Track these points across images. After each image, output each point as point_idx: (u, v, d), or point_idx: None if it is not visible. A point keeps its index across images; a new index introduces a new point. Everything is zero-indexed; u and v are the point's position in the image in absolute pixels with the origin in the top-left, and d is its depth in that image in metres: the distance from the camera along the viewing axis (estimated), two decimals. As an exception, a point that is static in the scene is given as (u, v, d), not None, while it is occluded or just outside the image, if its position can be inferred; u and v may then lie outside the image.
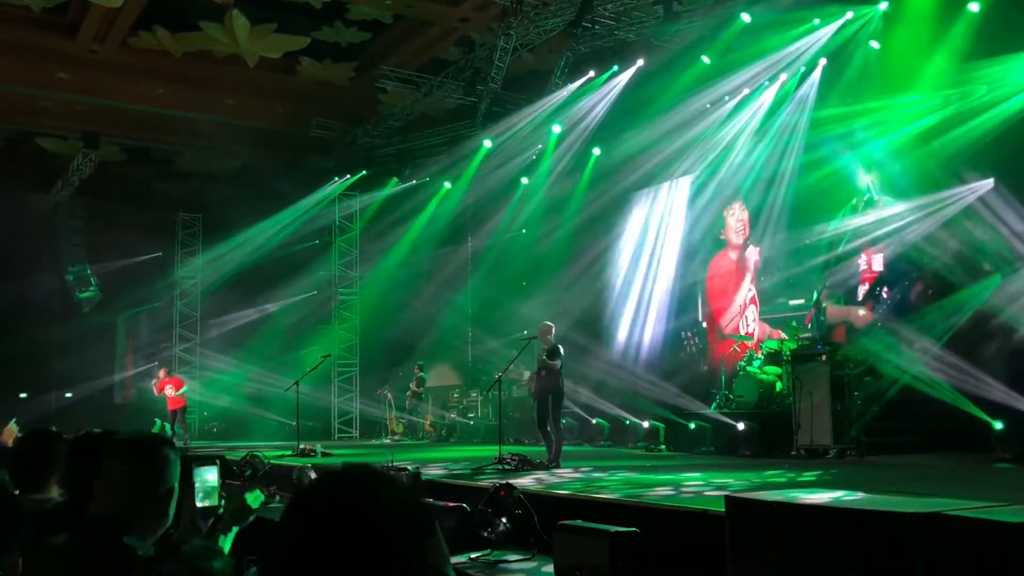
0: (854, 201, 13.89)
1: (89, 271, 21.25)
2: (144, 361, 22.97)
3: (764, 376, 13.29)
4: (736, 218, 16.11)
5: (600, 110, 16.22)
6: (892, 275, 13.29)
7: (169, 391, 18.11)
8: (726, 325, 16.24)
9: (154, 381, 18.74)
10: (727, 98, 15.16)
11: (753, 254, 15.66)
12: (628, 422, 15.22)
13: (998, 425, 10.33)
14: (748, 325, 15.79)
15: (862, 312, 13.40)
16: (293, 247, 22.08)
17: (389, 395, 20.34)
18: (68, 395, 21.46)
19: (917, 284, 13.00)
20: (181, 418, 18.30)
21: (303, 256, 22.35)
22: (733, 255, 16.14)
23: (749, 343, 14.67)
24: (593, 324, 17.73)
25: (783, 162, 14.66)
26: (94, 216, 21.02)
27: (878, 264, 13.52)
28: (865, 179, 13.68)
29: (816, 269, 14.05)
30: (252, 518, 2.83)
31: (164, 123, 19.48)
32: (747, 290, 15.87)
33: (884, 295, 13.31)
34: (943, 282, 12.28)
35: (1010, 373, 10.76)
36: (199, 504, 2.77)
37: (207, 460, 2.89)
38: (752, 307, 15.76)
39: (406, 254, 21.34)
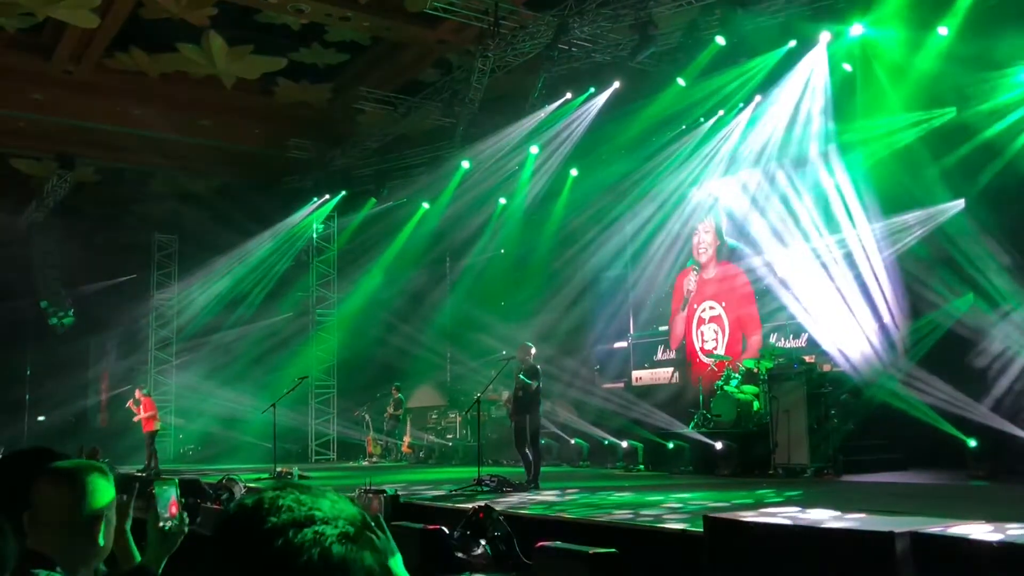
0: (718, 244, 15.97)
1: (67, 302, 21.02)
2: (120, 384, 22.72)
3: (741, 395, 13.34)
4: (700, 238, 16.40)
5: (577, 131, 16.32)
6: None
7: (144, 412, 17.80)
8: (675, 341, 16.70)
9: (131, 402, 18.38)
10: (702, 119, 15.30)
11: (727, 270, 15.92)
12: (607, 442, 15.23)
13: (972, 443, 10.43)
14: (703, 341, 16.12)
15: None
16: (270, 268, 21.97)
17: (367, 417, 20.23)
18: (40, 418, 21.18)
19: None
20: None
21: (280, 277, 22.25)
22: (697, 273, 16.42)
23: (726, 362, 14.75)
24: (572, 344, 17.76)
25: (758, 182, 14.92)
26: (69, 238, 20.83)
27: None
28: (713, 223, 15.88)
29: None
30: (180, 540, 2.80)
31: (140, 144, 19.37)
32: (708, 308, 16.16)
33: None
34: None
35: (983, 391, 10.88)
36: (160, 525, 2.75)
37: (165, 481, 2.87)
38: (713, 325, 16.01)
39: (384, 275, 21.29)
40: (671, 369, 16.69)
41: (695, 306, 16.39)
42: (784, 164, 14.53)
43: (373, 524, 1.38)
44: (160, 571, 2.66)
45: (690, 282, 16.43)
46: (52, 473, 2.42)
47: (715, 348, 15.74)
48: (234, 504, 1.36)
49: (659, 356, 17.11)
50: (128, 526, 2.73)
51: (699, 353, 16.18)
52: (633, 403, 15.33)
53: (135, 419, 17.92)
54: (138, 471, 15.76)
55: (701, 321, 16.25)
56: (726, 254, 15.89)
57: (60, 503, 2.35)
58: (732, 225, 15.64)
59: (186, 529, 2.78)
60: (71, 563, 2.33)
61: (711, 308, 16.10)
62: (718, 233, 16.06)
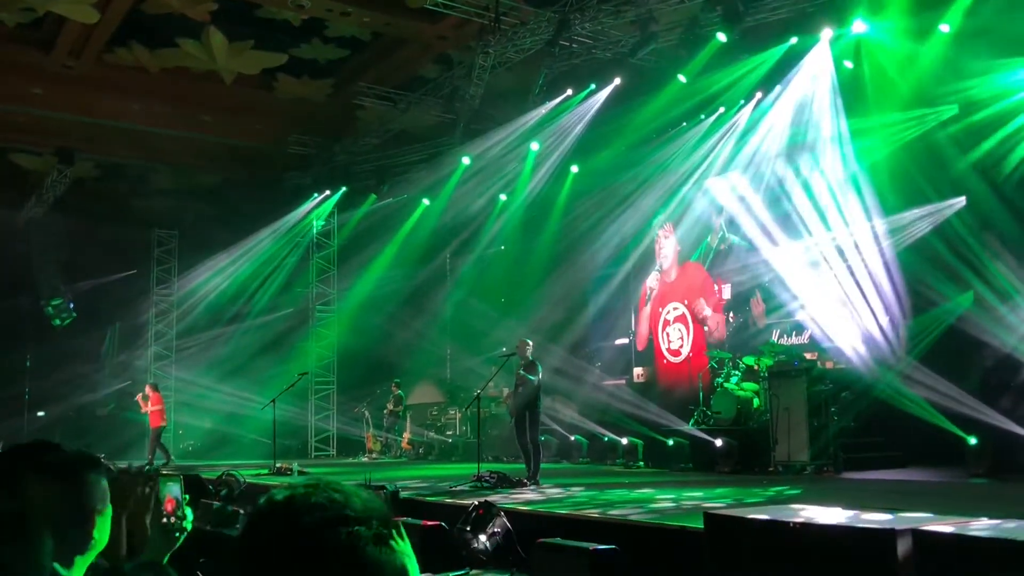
0: (708, 238, 16.09)
1: (68, 300, 21.02)
2: (119, 380, 22.71)
3: (741, 392, 13.34)
4: (661, 243, 16.71)
5: (578, 128, 16.30)
6: (735, 301, 15.50)
7: (152, 407, 17.81)
8: (642, 340, 17.02)
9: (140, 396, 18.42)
10: (703, 116, 15.28)
11: (687, 270, 16.16)
12: (606, 439, 15.23)
13: (972, 440, 10.42)
14: (669, 342, 16.44)
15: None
16: (270, 264, 21.96)
17: (366, 413, 20.22)
18: (40, 414, 21.18)
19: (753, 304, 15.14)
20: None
21: (280, 273, 22.24)
22: (659, 273, 16.73)
23: (726, 359, 14.74)
24: (573, 340, 17.75)
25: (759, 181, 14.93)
26: (68, 233, 20.80)
27: (726, 292, 15.67)
28: (716, 220, 15.80)
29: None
30: (182, 538, 2.77)
31: (140, 139, 19.35)
32: (672, 309, 16.43)
33: (731, 319, 15.49)
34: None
35: (983, 389, 10.88)
36: (163, 521, 2.72)
37: (170, 477, 2.84)
38: (678, 325, 16.24)
39: (384, 271, 21.28)
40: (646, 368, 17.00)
41: (660, 309, 16.69)
42: (784, 160, 14.51)
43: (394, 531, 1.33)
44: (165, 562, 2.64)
45: (652, 280, 16.75)
46: (45, 468, 2.38)
47: (680, 347, 16.03)
48: (264, 500, 1.33)
49: (658, 352, 17.26)
50: (148, 520, 2.69)
51: (665, 354, 16.45)
52: (633, 400, 15.33)
53: (143, 411, 17.99)
54: (144, 467, 15.78)
55: (667, 323, 16.53)
56: (723, 253, 15.94)
57: (55, 499, 2.32)
58: (731, 222, 15.64)
59: (188, 526, 2.76)
60: (67, 558, 2.30)
61: (675, 309, 16.41)
62: (681, 239, 16.33)
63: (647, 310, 16.91)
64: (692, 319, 15.99)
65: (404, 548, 1.30)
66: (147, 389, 18.18)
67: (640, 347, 17.06)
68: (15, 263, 20.35)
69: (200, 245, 21.93)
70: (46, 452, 2.46)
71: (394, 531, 1.29)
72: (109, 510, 2.44)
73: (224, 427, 20.93)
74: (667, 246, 16.64)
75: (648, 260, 16.98)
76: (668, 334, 16.43)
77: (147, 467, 15.88)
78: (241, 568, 1.27)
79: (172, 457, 17.28)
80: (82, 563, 2.37)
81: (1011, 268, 11.12)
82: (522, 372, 11.22)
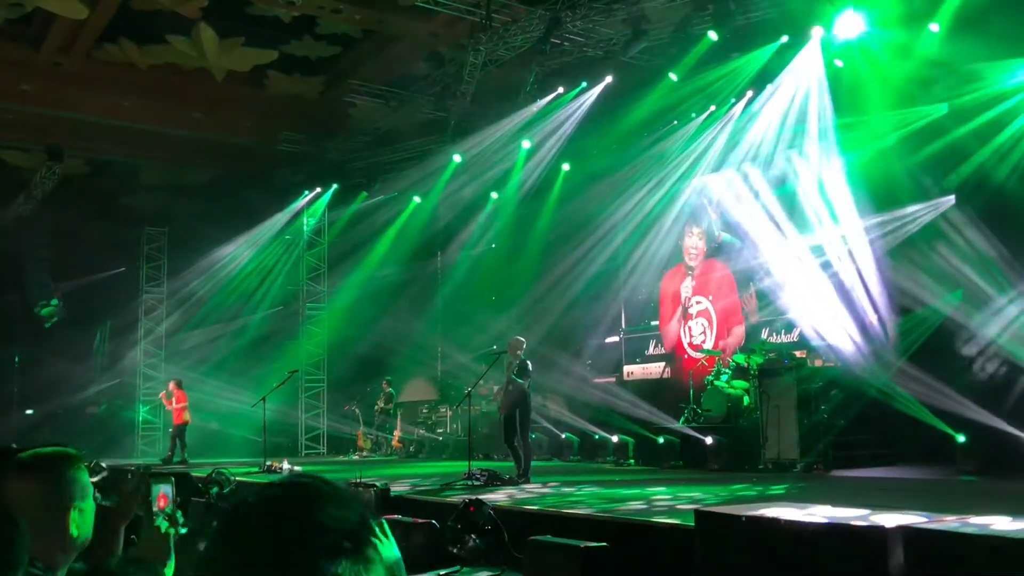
0: (706, 249, 16.16)
1: (57, 301, 20.98)
2: (108, 378, 22.63)
3: (732, 390, 13.37)
4: (693, 242, 16.48)
5: (569, 126, 16.30)
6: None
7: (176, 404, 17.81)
8: (670, 337, 16.78)
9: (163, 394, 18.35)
10: (694, 115, 15.30)
11: (710, 265, 16.05)
12: (597, 436, 15.24)
13: (961, 438, 10.48)
14: (691, 336, 16.25)
15: None
16: (260, 262, 21.91)
17: (357, 411, 20.18)
18: (29, 412, 21.09)
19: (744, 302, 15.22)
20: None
21: (270, 271, 22.18)
22: (691, 278, 16.52)
23: (717, 357, 14.76)
24: (563, 338, 17.76)
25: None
26: (57, 231, 20.71)
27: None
28: (714, 216, 15.82)
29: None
30: (174, 536, 2.75)
31: (130, 136, 19.27)
32: (695, 303, 16.28)
33: None
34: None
35: (973, 386, 10.92)
36: (155, 521, 2.71)
37: (162, 477, 2.82)
38: (701, 319, 16.12)
39: (375, 269, 21.24)
40: (662, 364, 16.76)
41: (687, 307, 16.46)
42: (775, 158, 14.54)
43: (376, 529, 1.28)
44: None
45: (686, 288, 16.43)
46: (20, 464, 2.36)
47: (703, 342, 15.81)
48: (240, 502, 1.29)
49: (650, 351, 17.18)
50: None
51: (687, 348, 16.25)
52: (624, 398, 15.35)
53: (168, 408, 18.02)
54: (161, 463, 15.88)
55: (689, 316, 16.33)
56: (712, 251, 15.95)
57: (30, 495, 2.29)
58: (723, 220, 15.68)
59: (181, 529, 2.74)
60: (48, 557, 2.26)
61: (698, 303, 16.21)
62: (708, 236, 16.12)
63: (679, 316, 16.57)
64: (715, 313, 15.82)
65: (386, 553, 1.24)
66: (171, 386, 18.14)
67: (667, 349, 16.83)
68: (3, 261, 20.25)
69: (190, 242, 21.85)
70: (23, 449, 2.43)
71: (369, 540, 1.23)
72: (91, 506, 2.40)
73: (214, 425, 20.86)
74: (698, 246, 16.35)
75: (642, 258, 16.92)
76: (690, 328, 16.30)
77: (168, 463, 16.14)
78: (206, 567, 1.23)
79: (185, 456, 17.33)
80: (64, 560, 2.34)
81: (1000, 266, 11.17)
82: (513, 376, 11.20)
